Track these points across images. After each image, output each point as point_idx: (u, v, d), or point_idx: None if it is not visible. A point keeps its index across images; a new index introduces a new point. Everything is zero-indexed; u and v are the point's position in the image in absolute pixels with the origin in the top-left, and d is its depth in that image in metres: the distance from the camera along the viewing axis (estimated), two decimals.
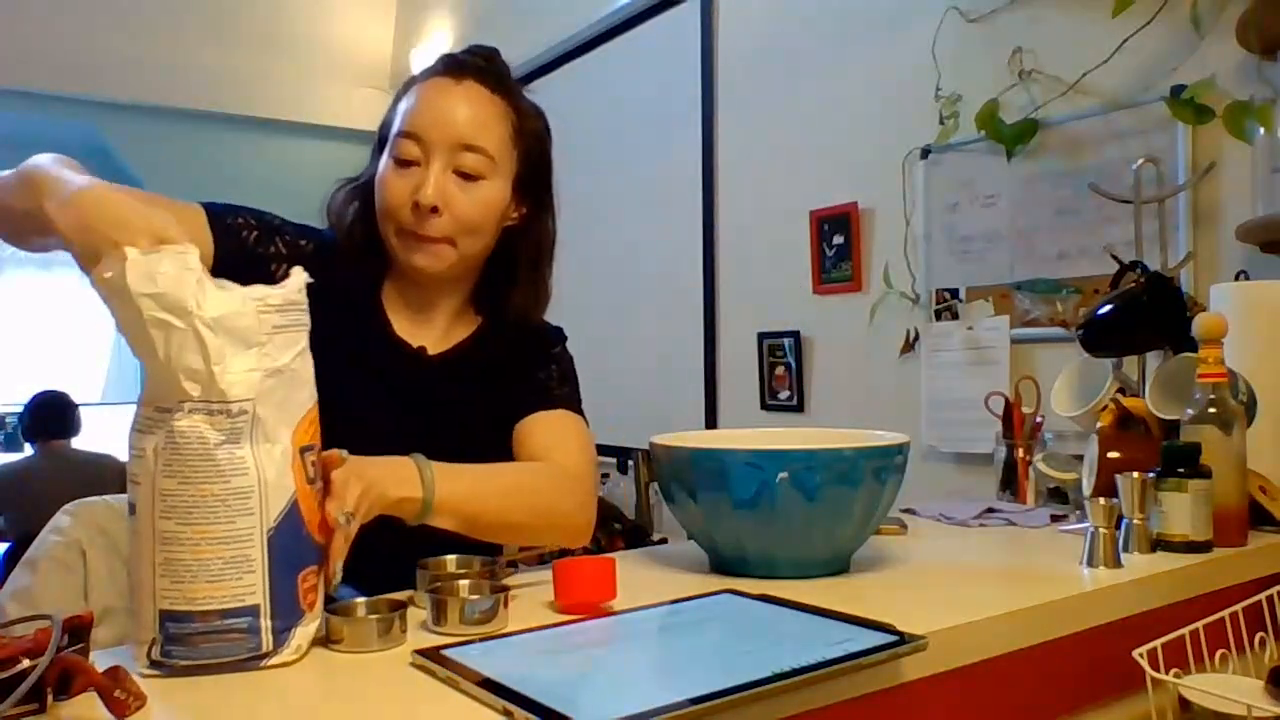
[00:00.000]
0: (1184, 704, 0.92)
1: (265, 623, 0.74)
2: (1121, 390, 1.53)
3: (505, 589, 0.89)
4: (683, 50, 3.03)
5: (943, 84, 2.24)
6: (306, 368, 0.79)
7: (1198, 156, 1.80)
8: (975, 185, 2.20)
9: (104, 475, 3.27)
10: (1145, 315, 1.48)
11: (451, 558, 1.01)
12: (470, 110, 1.11)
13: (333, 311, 0.93)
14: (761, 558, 1.05)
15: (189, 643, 0.72)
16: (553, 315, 1.28)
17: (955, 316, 2.24)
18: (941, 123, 2.24)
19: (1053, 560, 1.17)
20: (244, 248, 1.08)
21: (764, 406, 2.76)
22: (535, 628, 0.84)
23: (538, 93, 1.23)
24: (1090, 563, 1.10)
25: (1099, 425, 1.42)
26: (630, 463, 3.09)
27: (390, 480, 0.92)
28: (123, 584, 1.01)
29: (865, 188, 2.46)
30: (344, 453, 0.85)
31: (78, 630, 0.67)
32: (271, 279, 0.77)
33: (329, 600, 0.83)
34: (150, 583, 0.73)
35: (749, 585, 0.98)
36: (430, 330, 1.19)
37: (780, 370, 2.71)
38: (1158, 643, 0.92)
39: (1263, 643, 1.05)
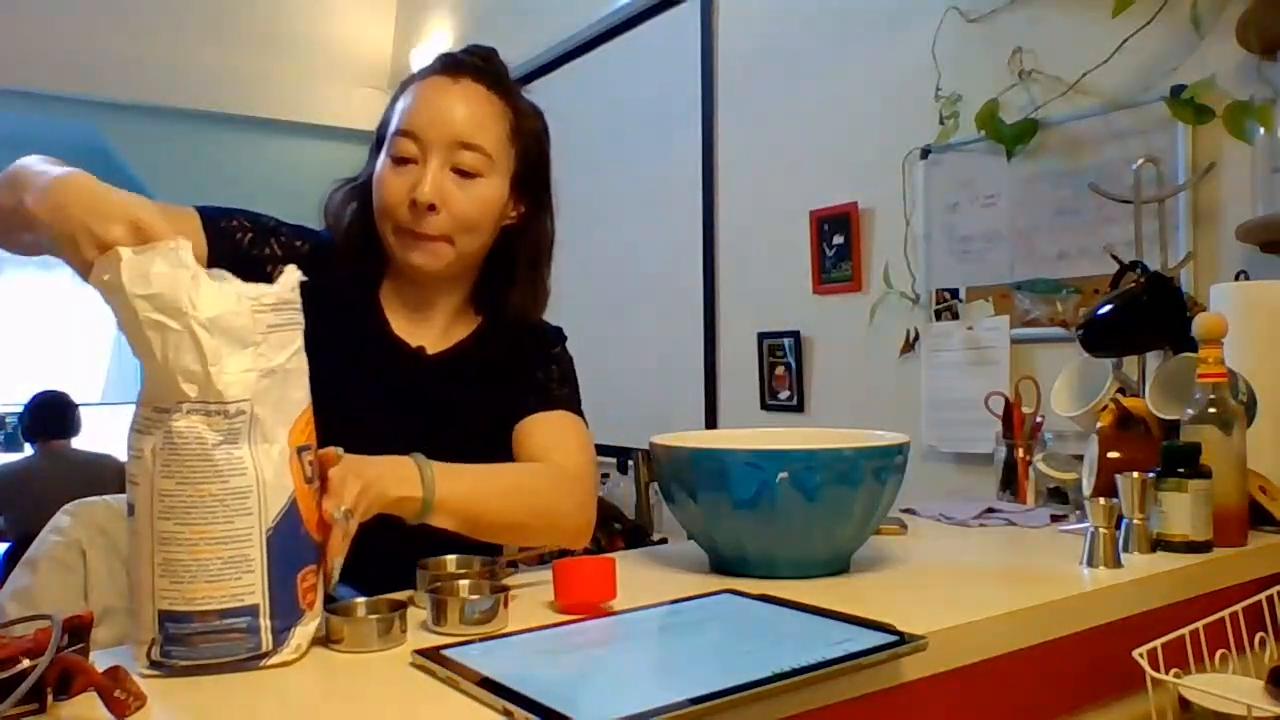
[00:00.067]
0: (1184, 704, 0.92)
1: (265, 622, 0.74)
2: (1121, 390, 1.53)
3: (505, 589, 0.89)
4: (683, 50, 3.03)
5: (943, 84, 2.24)
6: (302, 367, 0.79)
7: (1198, 156, 1.80)
8: (975, 185, 2.20)
9: (104, 475, 3.27)
10: (1145, 315, 1.48)
11: (451, 558, 1.01)
12: (468, 108, 1.11)
13: (330, 311, 0.93)
14: (761, 558, 1.05)
15: (188, 643, 0.72)
16: (552, 315, 1.28)
17: (955, 316, 2.24)
18: (941, 123, 2.24)
19: (1053, 560, 1.17)
20: (239, 250, 1.08)
21: (764, 406, 2.76)
22: (535, 628, 0.84)
23: (538, 93, 1.23)
24: (1090, 563, 1.10)
25: (1099, 425, 1.42)
26: (630, 463, 3.09)
27: (390, 479, 0.92)
28: (123, 584, 1.01)
29: (865, 188, 2.46)
30: (340, 450, 0.85)
31: (78, 630, 0.67)
32: (268, 281, 0.77)
33: (329, 599, 0.83)
34: (149, 583, 0.73)
35: (749, 585, 0.98)
36: (429, 330, 1.19)
37: (780, 370, 2.71)
38: (1158, 643, 0.92)
39: (1263, 643, 1.05)
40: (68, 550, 1.10)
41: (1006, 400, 1.72)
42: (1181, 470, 1.19)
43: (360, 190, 1.17)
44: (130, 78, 4.18)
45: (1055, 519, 1.43)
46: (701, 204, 2.98)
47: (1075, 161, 2.00)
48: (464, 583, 0.92)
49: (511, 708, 0.65)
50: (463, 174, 1.10)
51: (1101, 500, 1.11)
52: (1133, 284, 1.53)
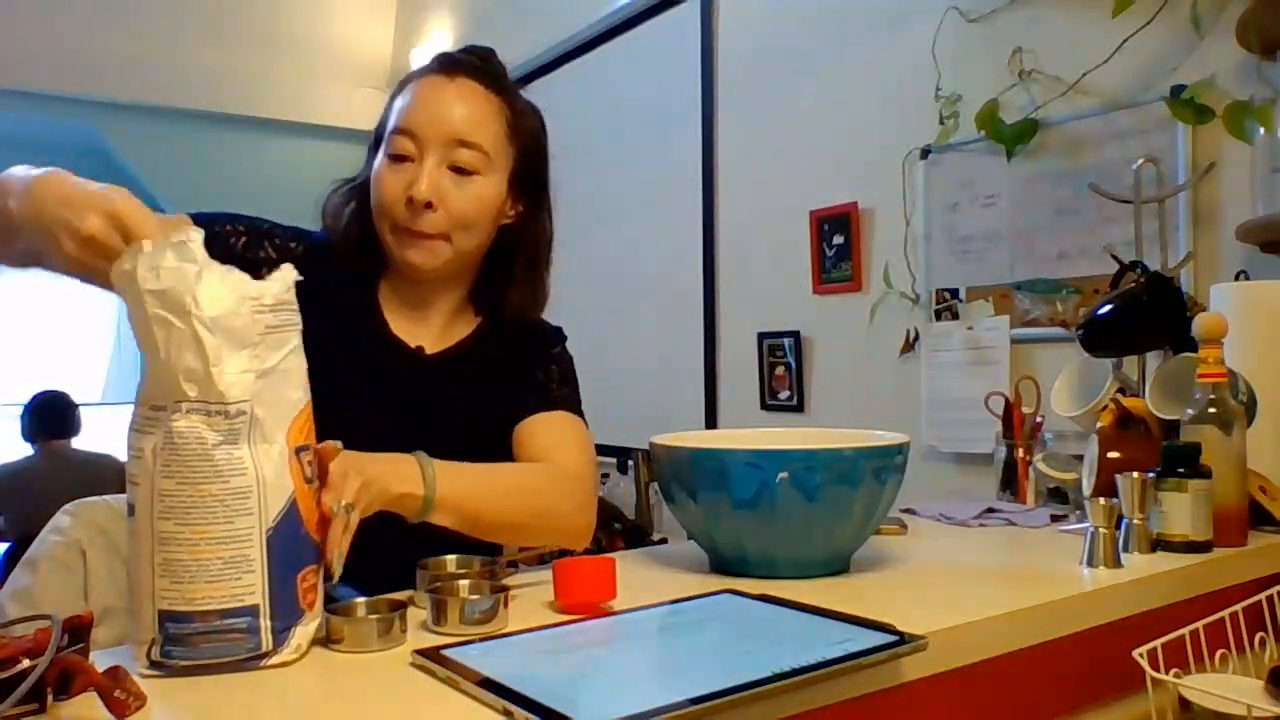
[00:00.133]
0: (1184, 704, 0.92)
1: (265, 622, 0.74)
2: (1121, 390, 1.53)
3: (505, 589, 0.89)
4: (683, 50, 3.03)
5: (943, 84, 2.24)
6: (298, 367, 0.79)
7: (1198, 156, 1.80)
8: (975, 185, 2.20)
9: (104, 475, 3.27)
10: (1145, 315, 1.48)
11: (451, 558, 1.01)
12: (465, 106, 1.11)
13: (327, 311, 0.93)
14: (761, 558, 1.05)
15: (189, 643, 0.72)
16: (552, 315, 1.28)
17: (955, 316, 2.24)
18: (941, 123, 2.24)
19: (1053, 560, 1.17)
20: (233, 254, 1.08)
21: (764, 406, 2.76)
22: (535, 628, 0.84)
23: (538, 93, 1.23)
24: (1090, 563, 1.10)
25: (1099, 425, 1.42)
26: (630, 463, 3.09)
27: (391, 476, 0.92)
28: (123, 584, 1.01)
29: (865, 188, 2.46)
30: (339, 444, 0.85)
31: (78, 630, 0.67)
32: None
33: (329, 599, 0.83)
34: (149, 583, 0.73)
35: (749, 585, 0.98)
36: (428, 329, 1.19)
37: (780, 370, 2.71)
38: (1158, 643, 0.92)
39: (1263, 643, 1.05)
40: (68, 550, 1.10)
41: (1006, 400, 1.72)
42: (1181, 470, 1.19)
43: (358, 190, 1.17)
44: (130, 78, 4.18)
45: (1055, 519, 1.43)
46: (701, 204, 2.98)
47: (1075, 161, 2.00)
48: (464, 583, 0.92)
49: (511, 708, 0.65)
50: (460, 172, 1.10)
51: (1101, 500, 1.11)
52: (1133, 284, 1.53)
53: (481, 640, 0.80)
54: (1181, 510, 1.18)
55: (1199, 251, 1.79)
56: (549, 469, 1.11)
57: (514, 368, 1.21)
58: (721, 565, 1.09)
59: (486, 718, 0.66)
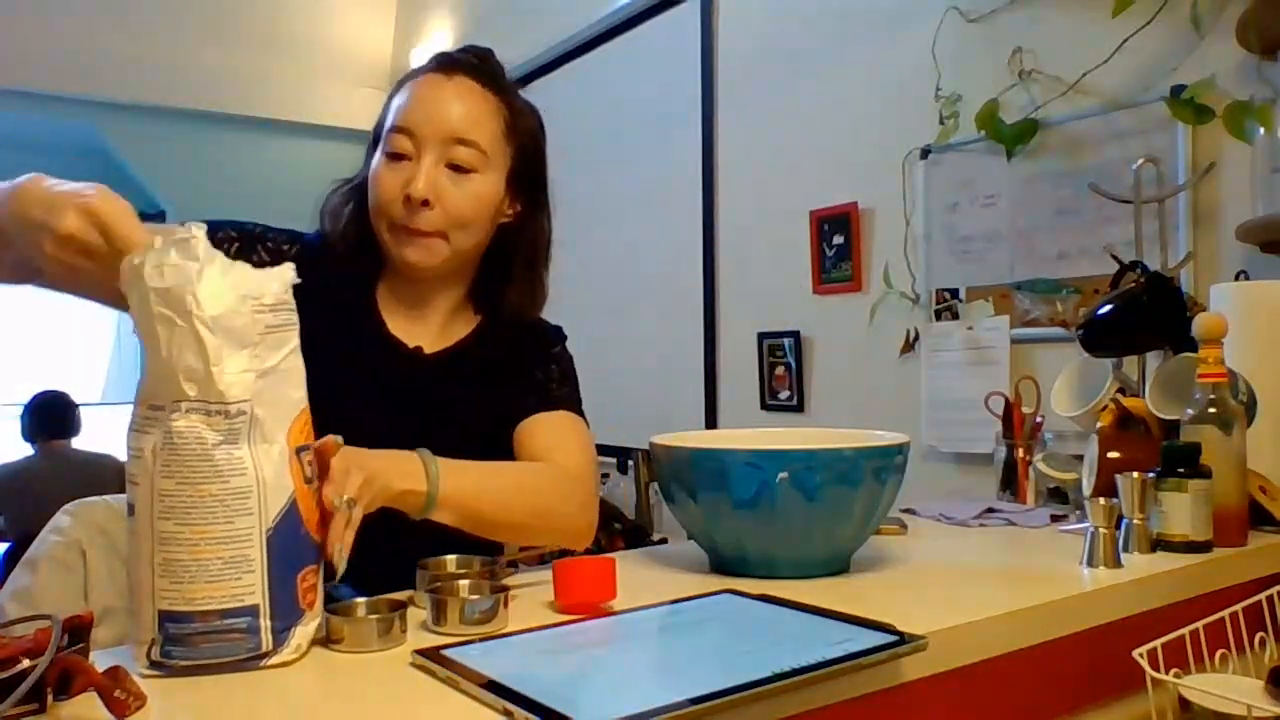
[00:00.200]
0: (1184, 704, 0.92)
1: (265, 622, 0.74)
2: (1121, 390, 1.53)
3: (505, 589, 0.89)
4: (683, 50, 3.03)
5: (943, 84, 2.24)
6: (298, 367, 0.79)
7: (1198, 156, 1.80)
8: (975, 185, 2.20)
9: (104, 475, 3.27)
10: (1145, 315, 1.48)
11: (451, 558, 1.01)
12: (462, 105, 1.11)
13: (324, 312, 0.92)
14: (761, 558, 1.05)
15: (189, 643, 0.72)
16: (552, 315, 1.28)
17: (955, 316, 2.24)
18: (941, 123, 2.24)
19: (1053, 560, 1.17)
20: None
21: (764, 406, 2.76)
22: (535, 628, 0.84)
23: (538, 93, 1.23)
24: (1090, 563, 1.10)
25: (1099, 425, 1.42)
26: (630, 463, 3.09)
27: (394, 472, 0.92)
28: (123, 584, 1.01)
29: (865, 188, 2.46)
30: (339, 439, 0.85)
31: (78, 630, 0.67)
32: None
33: (330, 599, 0.83)
34: (149, 583, 0.72)
35: (749, 585, 0.98)
36: (426, 329, 1.19)
37: (780, 370, 2.71)
38: (1158, 643, 0.92)
39: (1263, 643, 1.05)
40: (68, 550, 1.10)
41: (1006, 400, 1.72)
42: (1181, 470, 1.19)
43: (357, 190, 1.17)
44: (130, 78, 4.18)
45: (1055, 519, 1.43)
46: (701, 204, 2.98)
47: (1075, 161, 2.00)
48: (464, 583, 0.92)
49: (511, 708, 0.65)
50: (457, 170, 1.10)
51: (1101, 500, 1.11)
52: (1133, 284, 1.53)
53: (481, 640, 0.80)
54: (1181, 510, 1.18)
55: (1199, 251, 1.79)
56: (551, 469, 1.11)
57: (514, 367, 1.20)
58: (721, 565, 1.09)
59: (486, 718, 0.66)
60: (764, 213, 2.78)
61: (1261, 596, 1.07)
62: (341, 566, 0.81)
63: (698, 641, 0.82)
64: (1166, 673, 0.90)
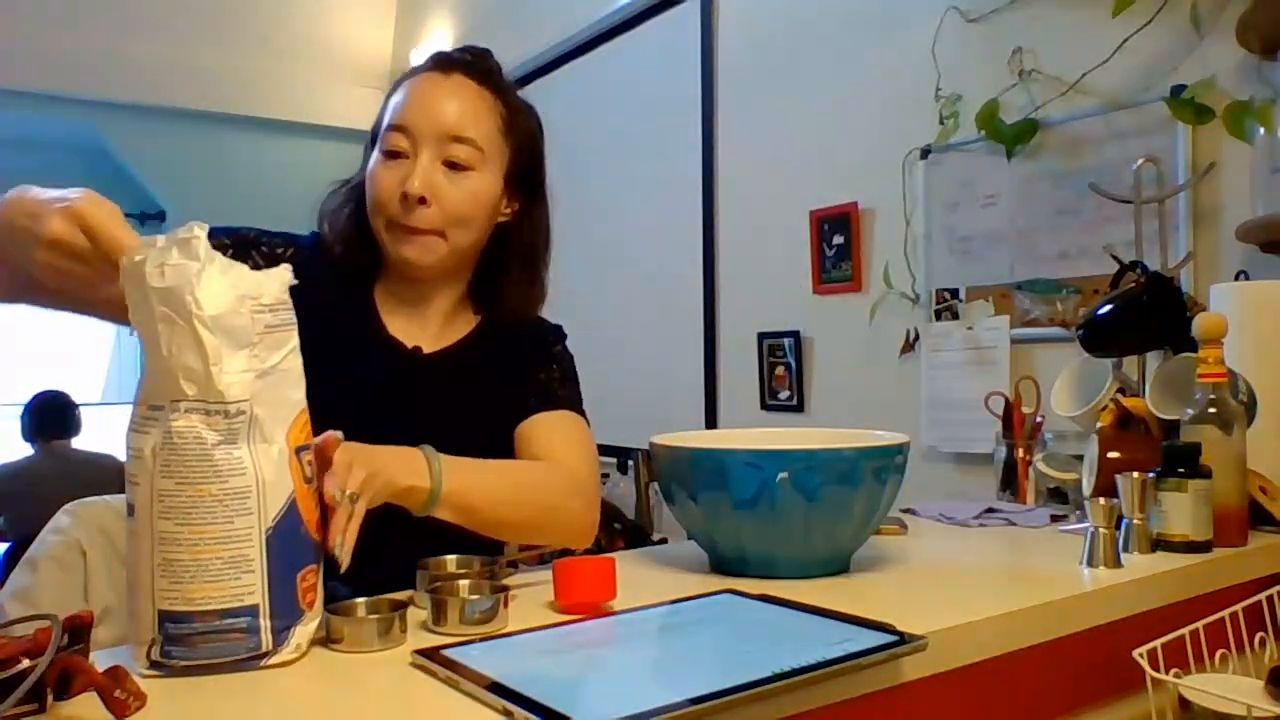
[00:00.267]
0: (1184, 704, 0.92)
1: (264, 622, 0.74)
2: (1121, 390, 1.53)
3: (505, 589, 0.89)
4: (683, 50, 3.03)
5: (943, 84, 2.24)
6: (298, 367, 0.79)
7: (1198, 156, 1.80)
8: (975, 185, 2.20)
9: (104, 475, 3.27)
10: (1145, 315, 1.48)
11: (451, 558, 1.01)
12: (459, 103, 1.11)
13: (321, 312, 0.93)
14: (761, 558, 1.05)
15: (188, 643, 0.72)
16: (552, 315, 1.28)
17: (955, 316, 2.24)
18: (941, 123, 2.24)
19: (1053, 560, 1.17)
20: None
21: (764, 406, 2.76)
22: (535, 628, 0.84)
23: (538, 92, 1.23)
24: (1090, 563, 1.10)
25: (1099, 425, 1.42)
26: (630, 463, 3.09)
27: (397, 468, 0.92)
28: (122, 584, 1.01)
29: (865, 188, 2.46)
30: (339, 434, 0.85)
31: (78, 630, 0.67)
32: None
33: (329, 598, 0.83)
34: (149, 583, 0.72)
35: (749, 585, 0.98)
36: (425, 329, 1.19)
37: (780, 370, 2.71)
38: (1158, 643, 0.92)
39: (1263, 643, 1.05)
40: (68, 550, 1.10)
41: (1006, 400, 1.72)
42: (1181, 470, 1.19)
43: (355, 191, 1.17)
44: (130, 78, 4.18)
45: (1055, 519, 1.43)
46: (701, 204, 2.98)
47: (1075, 161, 2.00)
48: (464, 583, 0.92)
49: (511, 708, 0.65)
50: (454, 167, 1.10)
51: (1101, 500, 1.11)
52: (1133, 284, 1.53)
53: (481, 640, 0.80)
54: (1181, 510, 1.18)
55: (1199, 251, 1.79)
56: (554, 467, 1.11)
57: (514, 367, 1.20)
58: (721, 565, 1.09)
59: (486, 718, 0.66)
60: (764, 212, 2.78)
61: (1261, 596, 1.07)
62: (345, 560, 0.81)
63: (698, 641, 0.82)
64: (1166, 673, 0.90)
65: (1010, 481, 1.66)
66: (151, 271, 0.71)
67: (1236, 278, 1.58)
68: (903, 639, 0.78)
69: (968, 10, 2.20)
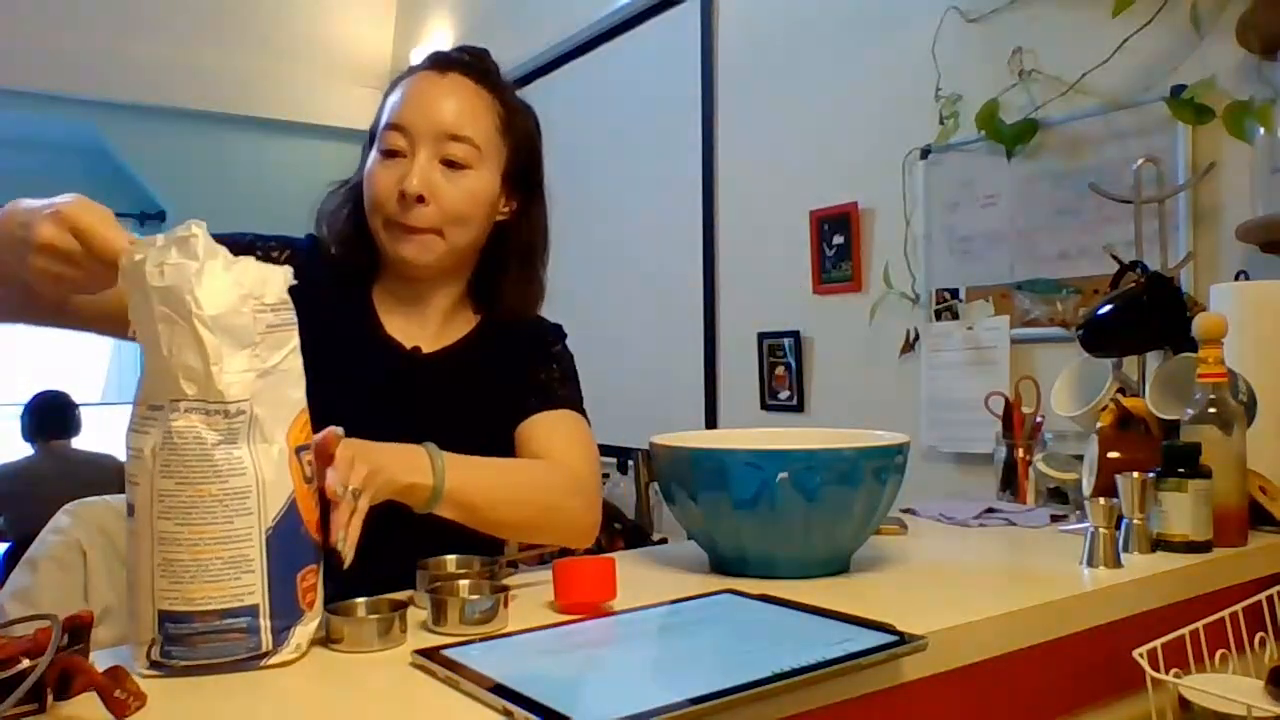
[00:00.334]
0: (1184, 704, 0.92)
1: (264, 622, 0.74)
2: (1121, 390, 1.53)
3: (505, 589, 0.89)
4: (683, 50, 3.03)
5: (943, 84, 2.24)
6: (298, 367, 0.79)
7: (1198, 156, 1.80)
8: (975, 185, 2.20)
9: (104, 475, 3.27)
10: (1145, 315, 1.48)
11: (451, 558, 1.01)
12: (456, 101, 1.11)
13: (320, 313, 0.92)
14: (761, 558, 1.05)
15: (188, 643, 0.72)
16: (552, 315, 1.28)
17: (955, 316, 2.24)
18: (941, 123, 2.24)
19: (1053, 560, 1.17)
20: None
21: (764, 406, 2.76)
22: (535, 628, 0.84)
23: (538, 92, 1.24)
24: (1090, 563, 1.10)
25: (1099, 425, 1.42)
26: (630, 463, 3.09)
27: (400, 465, 0.92)
28: (122, 584, 1.01)
29: (865, 188, 2.46)
30: (340, 431, 0.85)
31: (78, 630, 0.67)
32: None
33: (330, 598, 0.83)
34: (149, 583, 0.72)
35: (749, 585, 0.98)
36: (424, 328, 1.19)
37: (780, 370, 2.71)
38: (1158, 643, 0.92)
39: (1263, 643, 1.05)
40: (68, 550, 1.10)
41: (1006, 400, 1.72)
42: (1181, 470, 1.19)
43: (353, 191, 1.17)
44: (130, 78, 4.18)
45: (1055, 519, 1.43)
46: (701, 203, 2.98)
47: (1075, 161, 2.00)
48: (464, 583, 0.92)
49: (511, 708, 0.65)
50: (452, 166, 1.10)
51: (1101, 500, 1.11)
52: (1133, 284, 1.53)
53: (481, 640, 0.80)
54: (1181, 510, 1.18)
55: (1199, 251, 1.79)
56: (556, 466, 1.11)
57: (514, 366, 1.20)
58: (721, 565, 1.09)
59: (486, 718, 0.66)
60: (764, 212, 2.78)
61: (1261, 596, 1.07)
62: (349, 556, 0.81)
63: (698, 641, 0.82)
64: (1166, 673, 0.90)
65: (1010, 481, 1.66)
66: (151, 271, 0.71)
67: (1236, 278, 1.58)
68: (903, 639, 0.78)
69: (968, 10, 2.20)
